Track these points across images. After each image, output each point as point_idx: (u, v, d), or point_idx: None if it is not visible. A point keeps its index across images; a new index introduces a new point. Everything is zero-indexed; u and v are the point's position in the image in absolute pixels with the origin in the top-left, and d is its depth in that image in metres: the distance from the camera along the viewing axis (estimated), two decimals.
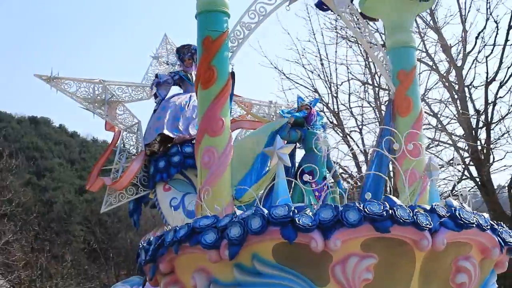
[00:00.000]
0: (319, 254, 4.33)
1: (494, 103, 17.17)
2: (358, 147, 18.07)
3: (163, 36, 9.27)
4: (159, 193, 7.67)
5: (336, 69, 18.72)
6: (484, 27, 17.19)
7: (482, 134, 17.43)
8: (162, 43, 9.20)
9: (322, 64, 18.82)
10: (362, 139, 18.79)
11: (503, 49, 16.99)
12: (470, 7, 17.47)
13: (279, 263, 4.35)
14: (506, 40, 16.93)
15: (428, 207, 4.64)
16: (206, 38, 5.98)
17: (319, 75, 18.78)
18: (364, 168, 18.00)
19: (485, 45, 17.32)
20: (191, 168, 7.60)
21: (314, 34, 19.02)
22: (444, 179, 18.57)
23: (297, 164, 7.17)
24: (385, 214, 4.32)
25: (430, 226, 4.43)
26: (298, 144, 7.16)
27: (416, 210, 4.47)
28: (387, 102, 7.12)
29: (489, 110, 17.19)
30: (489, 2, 17.14)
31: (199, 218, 4.68)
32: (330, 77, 18.69)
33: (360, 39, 6.85)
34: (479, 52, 17.37)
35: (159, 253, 4.89)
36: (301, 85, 18.80)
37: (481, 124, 17.39)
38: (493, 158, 17.42)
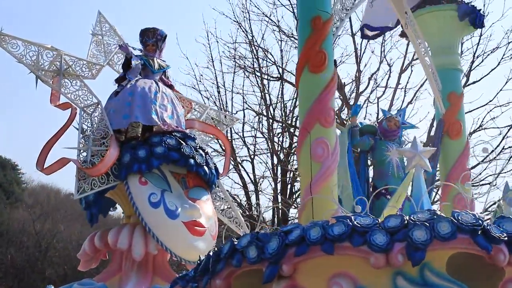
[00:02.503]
0: (491, 268, 3.58)
1: None
2: (249, 176, 17.40)
3: (97, 14, 7.59)
4: (133, 186, 5.82)
5: (232, 98, 17.92)
6: (378, 69, 16.94)
7: (371, 172, 17.04)
8: (97, 22, 7.45)
9: (218, 92, 17.96)
10: (253, 168, 17.75)
11: (394, 91, 16.87)
12: (365, 48, 17.16)
13: (450, 275, 3.56)
14: (398, 83, 16.85)
15: None
16: (316, 18, 5.05)
17: (214, 102, 17.79)
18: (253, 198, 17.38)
19: (378, 86, 17.18)
20: (171, 163, 6.13)
21: (212, 61, 18.07)
22: None
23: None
24: None
25: None
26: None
27: None
28: (438, 122, 6.62)
29: None
30: (384, 45, 16.99)
31: (356, 215, 3.58)
32: (225, 105, 17.80)
33: (419, 56, 6.24)
34: (371, 92, 17.20)
35: (290, 252, 3.57)
36: (195, 110, 17.47)
37: (369, 162, 17.01)
38: None
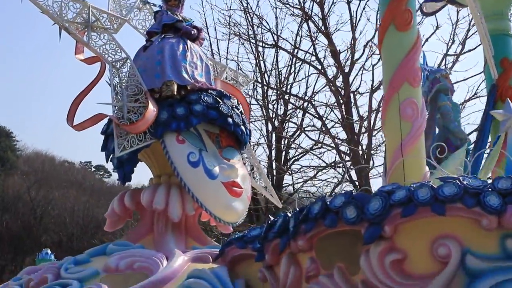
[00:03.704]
0: None
1: (378, 111, 16.61)
2: None
3: None
4: (171, 144, 5.36)
5: (226, 65, 17.33)
6: (373, 37, 16.48)
7: (364, 140, 16.83)
8: None
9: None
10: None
11: None
12: (361, 16, 16.77)
13: None
14: None
15: None
16: None
17: None
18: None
19: (373, 54, 16.78)
20: (209, 121, 5.69)
21: (207, 28, 17.62)
22: (325, 180, 17.89)
23: None
24: None
25: None
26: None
27: None
28: (491, 87, 6.26)
29: (372, 117, 16.60)
30: (379, 13, 16.61)
31: (463, 177, 3.32)
32: None
33: (476, 20, 5.88)
34: (366, 60, 16.86)
35: (396, 212, 3.27)
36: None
37: (363, 130, 16.78)
38: (373, 164, 16.89)
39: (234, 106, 5.88)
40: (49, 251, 18.91)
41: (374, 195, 3.30)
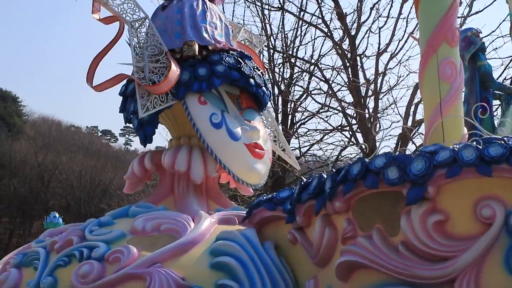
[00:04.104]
0: None
1: (384, 74, 16.57)
2: None
3: None
4: (192, 105, 5.21)
5: None
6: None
7: (371, 103, 16.78)
8: None
9: None
10: None
11: (396, 21, 16.43)
12: None
13: None
14: (400, 13, 16.35)
15: None
16: None
17: None
18: None
19: (379, 16, 16.74)
20: (231, 82, 5.51)
21: None
22: (331, 143, 17.86)
23: None
24: None
25: None
26: None
27: None
28: None
29: (379, 80, 16.55)
30: None
31: (508, 137, 3.18)
32: None
33: None
34: (373, 22, 16.81)
35: (440, 173, 3.15)
36: None
37: (370, 93, 16.69)
38: (380, 127, 16.84)
39: (255, 67, 5.73)
40: (57, 215, 18.96)
41: (417, 156, 3.20)
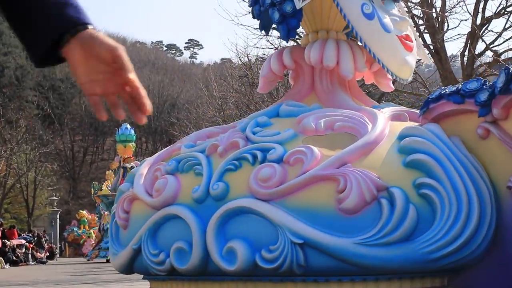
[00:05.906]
0: None
1: None
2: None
3: None
4: None
5: None
6: None
7: (438, 2, 15.74)
8: None
9: None
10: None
11: None
12: None
13: None
14: None
15: None
16: None
17: None
18: None
19: None
20: None
21: None
22: None
23: None
24: None
25: None
26: None
27: None
28: None
29: None
30: None
31: None
32: None
33: None
34: None
35: None
36: None
37: None
38: (448, 26, 15.88)
39: None
40: (128, 126, 18.75)
41: None
